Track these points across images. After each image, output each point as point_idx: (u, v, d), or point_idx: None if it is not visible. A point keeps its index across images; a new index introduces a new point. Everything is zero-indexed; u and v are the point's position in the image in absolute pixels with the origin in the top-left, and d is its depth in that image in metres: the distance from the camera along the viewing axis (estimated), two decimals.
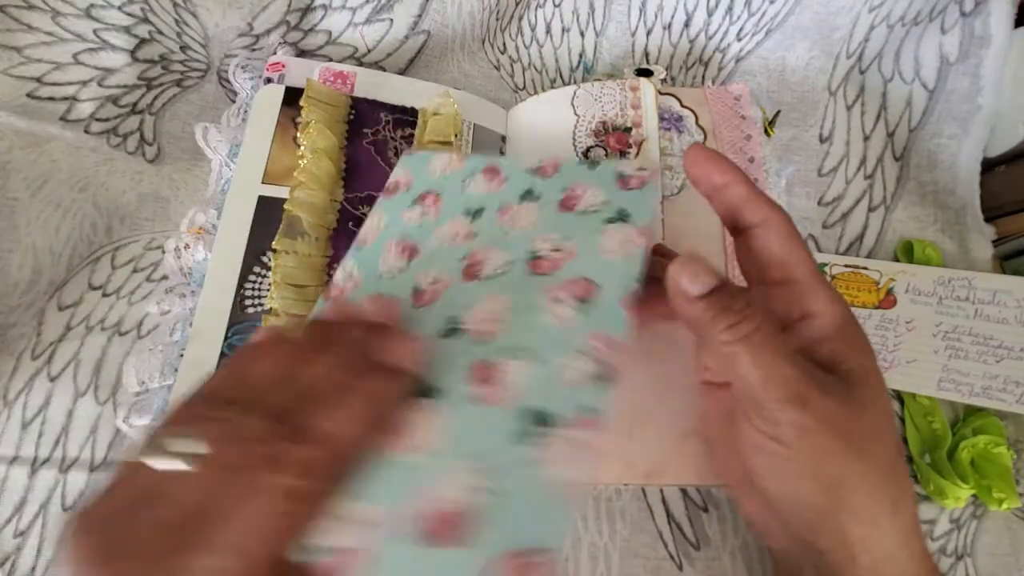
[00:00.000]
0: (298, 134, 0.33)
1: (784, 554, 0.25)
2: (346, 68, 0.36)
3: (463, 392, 0.20)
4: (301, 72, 0.36)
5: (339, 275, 0.28)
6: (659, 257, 0.30)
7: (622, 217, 0.26)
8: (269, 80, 0.35)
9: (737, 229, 0.24)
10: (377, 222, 0.30)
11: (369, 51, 0.40)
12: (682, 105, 0.35)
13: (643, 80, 0.35)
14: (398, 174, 0.31)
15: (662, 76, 0.38)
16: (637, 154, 0.33)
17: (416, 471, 0.18)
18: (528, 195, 0.28)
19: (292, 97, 0.35)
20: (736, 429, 0.23)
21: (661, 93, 0.35)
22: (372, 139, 0.35)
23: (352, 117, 0.35)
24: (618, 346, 0.21)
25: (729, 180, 0.24)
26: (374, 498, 0.18)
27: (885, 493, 0.21)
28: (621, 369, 0.21)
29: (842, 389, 0.21)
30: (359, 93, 0.36)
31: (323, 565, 0.17)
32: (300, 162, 0.32)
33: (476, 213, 0.28)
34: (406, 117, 0.35)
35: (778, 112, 0.37)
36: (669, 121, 0.35)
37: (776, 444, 0.21)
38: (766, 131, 0.35)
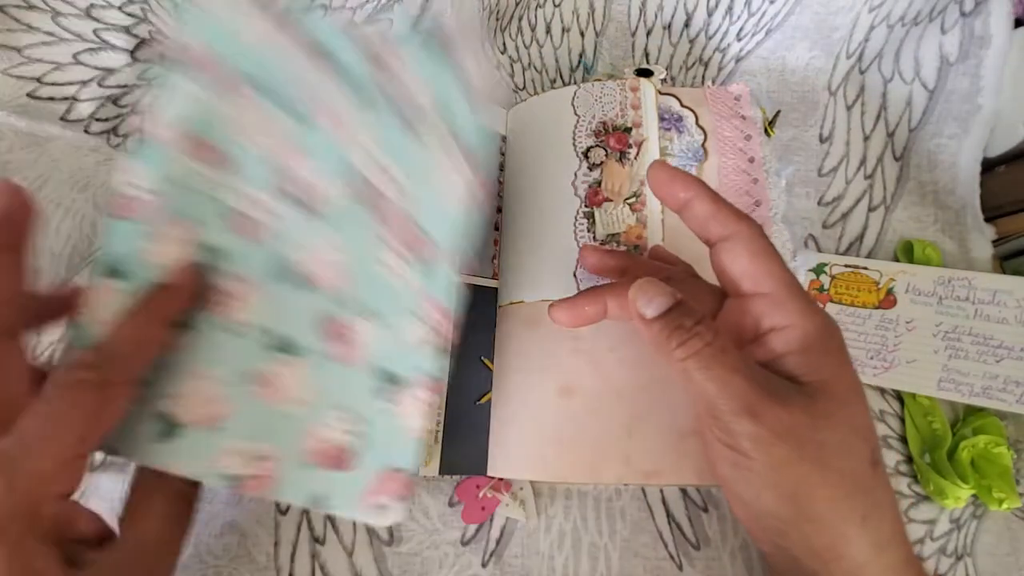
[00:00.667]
0: None
1: (770, 557, 0.25)
2: None
3: (321, 350, 0.23)
4: None
5: (121, 179, 0.23)
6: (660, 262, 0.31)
7: (468, 152, 0.24)
8: None
9: (709, 242, 0.25)
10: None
11: None
12: (682, 105, 0.35)
13: (643, 80, 0.35)
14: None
15: (662, 76, 0.38)
16: (637, 154, 0.33)
17: (298, 419, 0.22)
18: (365, 102, 0.24)
19: None
20: (707, 438, 0.24)
21: (661, 93, 0.35)
22: None
23: None
24: (448, 315, 0.23)
25: (692, 196, 0.25)
26: (268, 439, 0.22)
27: (849, 505, 0.21)
28: (449, 337, 0.23)
29: (802, 400, 0.21)
30: None
31: (237, 488, 0.22)
32: None
33: (300, 117, 0.24)
34: None
35: (778, 112, 0.37)
36: (669, 121, 0.35)
37: (735, 454, 0.22)
38: (766, 131, 0.35)
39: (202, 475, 0.22)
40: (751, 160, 0.34)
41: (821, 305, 0.36)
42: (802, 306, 0.22)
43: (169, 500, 0.22)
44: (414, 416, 0.23)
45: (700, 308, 0.23)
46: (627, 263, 0.29)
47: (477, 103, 0.25)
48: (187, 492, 0.23)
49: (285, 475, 0.22)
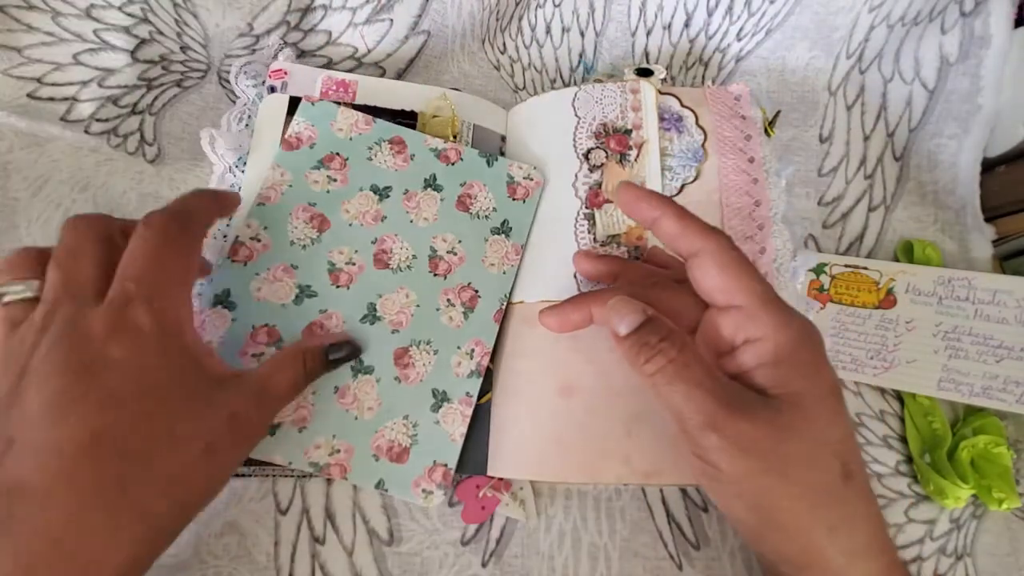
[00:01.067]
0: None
1: (758, 558, 0.26)
2: (348, 77, 0.36)
3: (391, 371, 0.30)
4: (304, 80, 0.36)
5: (240, 229, 0.30)
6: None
7: (505, 231, 0.33)
8: (272, 89, 0.35)
9: (682, 258, 0.25)
10: (279, 177, 0.32)
11: (369, 51, 0.40)
12: (682, 105, 0.35)
13: (643, 82, 0.35)
14: (300, 126, 0.33)
15: (662, 76, 0.38)
16: (638, 156, 0.33)
17: (370, 423, 0.29)
18: (432, 184, 0.33)
19: (296, 106, 0.35)
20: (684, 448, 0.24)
21: (661, 93, 0.35)
22: None
23: None
24: (487, 351, 0.31)
25: (659, 215, 0.25)
26: (345, 437, 0.29)
27: (814, 516, 0.22)
28: (485, 365, 0.31)
29: (767, 413, 0.22)
30: (360, 100, 0.36)
31: (320, 472, 0.28)
32: None
33: (383, 193, 0.33)
34: (406, 121, 0.36)
35: (778, 112, 0.37)
36: (669, 121, 0.35)
37: (705, 464, 0.22)
38: (766, 131, 0.35)
39: (294, 463, 0.28)
40: (751, 160, 0.34)
41: (820, 305, 0.36)
42: (775, 318, 0.23)
43: (301, 375, 0.27)
44: (456, 425, 0.30)
45: (676, 320, 0.24)
46: (619, 268, 0.30)
47: (512, 196, 0.34)
48: (313, 372, 0.28)
49: (357, 465, 0.28)
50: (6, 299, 0.23)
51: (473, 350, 0.31)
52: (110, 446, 0.20)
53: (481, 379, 0.31)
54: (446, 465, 0.29)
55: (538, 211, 0.34)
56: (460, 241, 0.32)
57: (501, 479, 0.30)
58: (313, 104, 0.34)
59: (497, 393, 0.31)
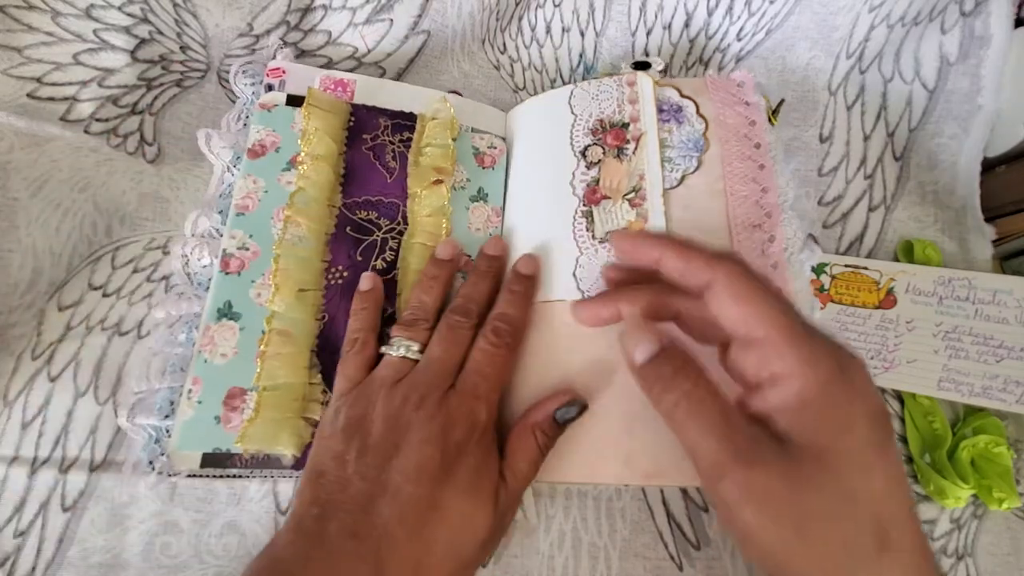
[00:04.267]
0: (299, 141, 0.33)
1: None
2: (346, 76, 0.36)
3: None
4: (302, 79, 0.36)
5: (226, 241, 0.31)
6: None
7: (482, 198, 0.35)
8: (270, 87, 0.35)
9: (694, 295, 0.24)
10: (252, 185, 0.32)
11: (369, 51, 0.40)
12: (682, 95, 0.35)
13: (640, 74, 0.35)
14: (260, 134, 0.33)
15: (660, 68, 0.37)
16: (635, 149, 0.33)
17: None
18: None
19: (293, 104, 0.35)
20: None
21: (660, 84, 0.35)
22: (371, 144, 0.35)
23: (352, 123, 0.35)
24: None
25: (659, 255, 0.24)
26: None
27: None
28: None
29: (783, 465, 0.20)
30: (359, 100, 0.36)
31: None
32: (300, 168, 0.32)
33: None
34: (404, 122, 0.36)
35: (782, 101, 0.37)
36: (668, 112, 0.34)
37: (714, 506, 0.22)
38: (769, 120, 0.35)
39: None
40: (757, 146, 0.33)
41: (821, 305, 0.36)
42: (800, 353, 0.20)
43: (537, 453, 0.27)
44: None
45: (707, 333, 0.23)
46: (648, 274, 0.27)
47: (481, 165, 0.36)
48: (547, 445, 0.28)
49: None
50: (401, 353, 0.28)
51: None
52: (445, 512, 0.24)
53: None
54: None
55: (536, 210, 0.34)
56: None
57: None
58: (270, 111, 0.34)
59: None
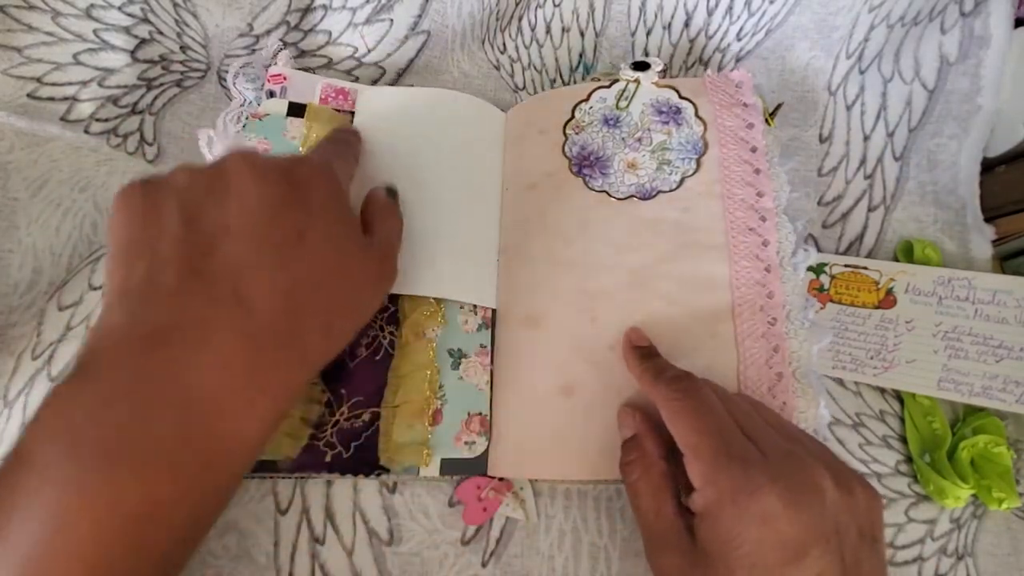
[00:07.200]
0: (300, 148, 0.34)
1: None
2: (348, 85, 0.37)
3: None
4: (302, 86, 0.36)
5: None
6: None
7: None
8: (271, 93, 0.35)
9: None
10: None
11: (369, 51, 0.40)
12: (680, 97, 0.35)
13: (640, 75, 0.35)
14: (252, 142, 0.34)
15: (660, 68, 0.37)
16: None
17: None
18: None
19: (293, 111, 0.35)
20: None
21: (659, 86, 0.35)
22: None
23: None
24: (489, 309, 0.33)
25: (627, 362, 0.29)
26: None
27: None
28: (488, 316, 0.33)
29: (687, 560, 0.23)
30: (359, 108, 0.36)
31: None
32: None
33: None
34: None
35: (780, 104, 0.37)
36: (667, 114, 0.34)
37: None
38: (766, 122, 0.35)
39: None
40: (753, 149, 0.34)
41: (820, 305, 0.36)
42: (707, 472, 0.23)
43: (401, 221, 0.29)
44: (479, 375, 0.32)
45: (650, 444, 0.27)
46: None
47: None
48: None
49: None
50: None
51: (475, 305, 0.33)
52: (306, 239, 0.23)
53: (490, 330, 0.33)
54: (480, 412, 0.31)
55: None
56: None
57: (502, 479, 0.30)
58: (261, 119, 0.34)
59: (497, 393, 0.31)
